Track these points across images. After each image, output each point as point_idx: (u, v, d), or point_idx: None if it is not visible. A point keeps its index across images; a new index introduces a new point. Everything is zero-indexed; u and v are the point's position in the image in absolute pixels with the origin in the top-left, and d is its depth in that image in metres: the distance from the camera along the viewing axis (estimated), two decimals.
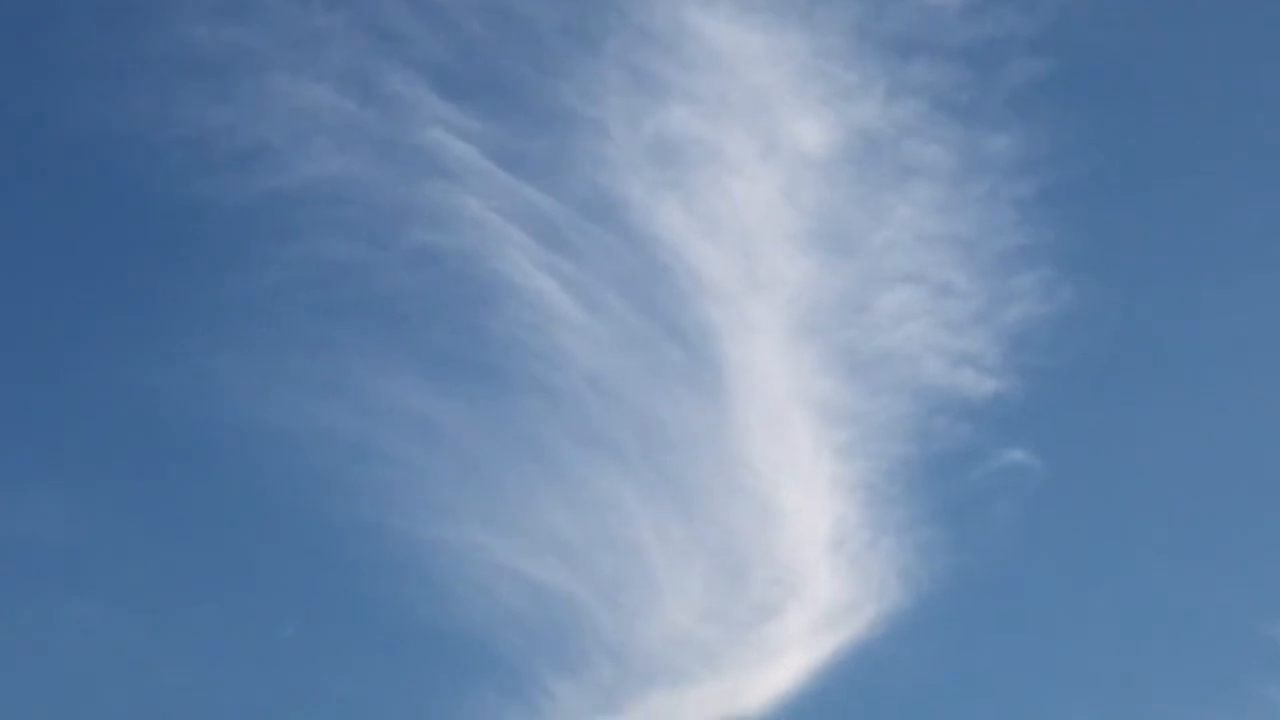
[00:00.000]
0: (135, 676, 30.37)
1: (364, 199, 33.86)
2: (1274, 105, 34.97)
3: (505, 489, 32.43)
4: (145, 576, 31.50)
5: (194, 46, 34.18)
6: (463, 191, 33.84)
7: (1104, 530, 32.26)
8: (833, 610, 31.56)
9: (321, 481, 32.03)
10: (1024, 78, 34.57)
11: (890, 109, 34.58)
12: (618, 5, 34.32)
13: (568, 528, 31.80)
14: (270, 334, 33.37)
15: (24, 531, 31.26)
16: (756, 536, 32.11)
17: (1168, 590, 31.62)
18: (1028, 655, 31.24)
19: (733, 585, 31.78)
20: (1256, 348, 33.52)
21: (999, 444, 32.62)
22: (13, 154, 34.73)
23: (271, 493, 32.48)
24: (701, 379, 33.14)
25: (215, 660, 30.85)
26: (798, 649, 31.11)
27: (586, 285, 33.53)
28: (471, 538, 31.40)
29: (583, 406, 33.10)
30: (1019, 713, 30.69)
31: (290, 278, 33.62)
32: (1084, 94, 35.26)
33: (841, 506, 32.34)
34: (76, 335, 33.52)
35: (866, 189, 34.42)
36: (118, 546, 31.62)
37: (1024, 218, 34.09)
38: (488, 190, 33.88)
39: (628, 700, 30.21)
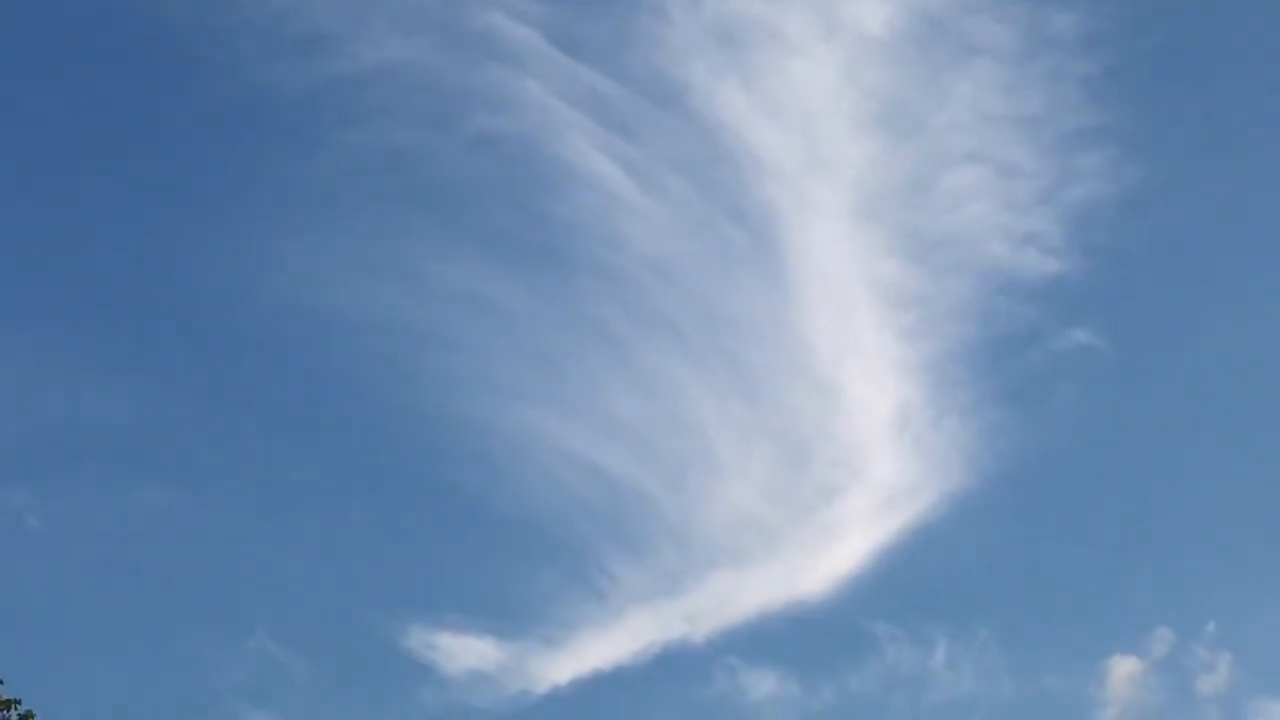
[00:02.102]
0: (204, 560, 30.80)
1: (425, 84, 33.95)
2: None
3: (568, 373, 32.61)
4: (213, 462, 31.91)
5: None
6: (523, 75, 33.81)
7: (1168, 411, 32.24)
8: (895, 491, 31.63)
9: (386, 366, 32.33)
10: None
11: None
12: None
13: (630, 412, 31.99)
14: (334, 220, 33.58)
15: (95, 417, 31.68)
16: (819, 418, 32.21)
17: (1230, 470, 31.63)
18: (1090, 535, 31.30)
19: (795, 467, 31.93)
20: None
21: (1063, 325, 32.56)
22: (82, 40, 34.99)
23: (337, 378, 32.82)
24: (763, 262, 33.17)
25: (284, 546, 31.22)
26: (859, 530, 31.24)
27: (647, 169, 33.51)
28: (535, 422, 31.63)
29: (645, 290, 33.16)
30: (1079, 592, 30.79)
31: (352, 163, 33.79)
32: None
33: (904, 388, 32.36)
34: (142, 222, 33.82)
35: (929, 69, 34.21)
36: (186, 432, 32.03)
37: (1089, 96, 33.82)
38: (548, 74, 33.82)
39: (690, 582, 30.45)
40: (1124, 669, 29.28)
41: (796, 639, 29.80)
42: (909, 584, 30.65)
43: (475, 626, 29.70)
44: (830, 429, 31.42)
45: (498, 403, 31.70)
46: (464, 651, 29.34)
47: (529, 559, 30.71)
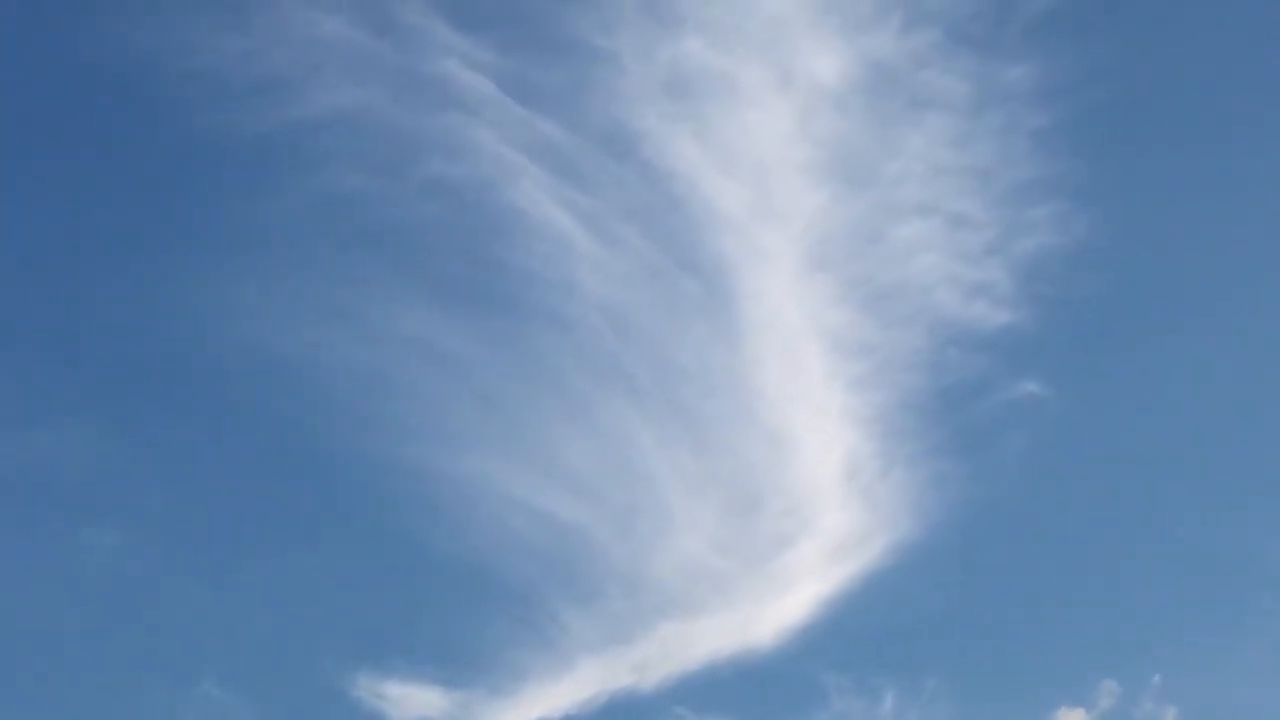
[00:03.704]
0: (151, 605, 30.67)
1: (378, 130, 34.01)
2: None
3: (519, 421, 32.67)
4: (160, 505, 31.78)
5: None
6: (477, 123, 33.95)
7: (1114, 461, 32.40)
8: (844, 541, 31.78)
9: (336, 411, 32.28)
10: (1040, 8, 34.47)
11: (905, 40, 34.50)
12: None
13: (581, 459, 32.07)
14: (285, 265, 33.58)
15: (42, 460, 31.54)
16: (769, 468, 32.37)
17: (1176, 519, 31.77)
18: (1037, 585, 31.46)
19: (745, 516, 32.05)
20: (1267, 279, 33.61)
21: (1011, 375, 32.78)
22: (31, 84, 34.86)
23: (287, 423, 32.71)
24: (715, 311, 33.33)
25: (232, 591, 31.14)
26: (809, 580, 31.35)
27: (600, 217, 33.68)
28: (486, 469, 31.68)
29: (597, 338, 33.33)
30: (1027, 643, 30.96)
31: (305, 208, 33.79)
32: (1100, 24, 35.14)
33: (854, 438, 32.54)
34: (92, 265, 33.72)
35: (881, 120, 34.46)
36: (134, 475, 31.89)
37: (1039, 149, 34.11)
38: (502, 122, 33.97)
39: (639, 631, 30.52)
40: None
41: (745, 689, 29.91)
42: (857, 634, 30.81)
43: (423, 675, 29.73)
44: (780, 479, 31.59)
45: (448, 449, 31.75)
46: (412, 700, 29.35)
47: (478, 607, 30.75)
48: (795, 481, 31.78)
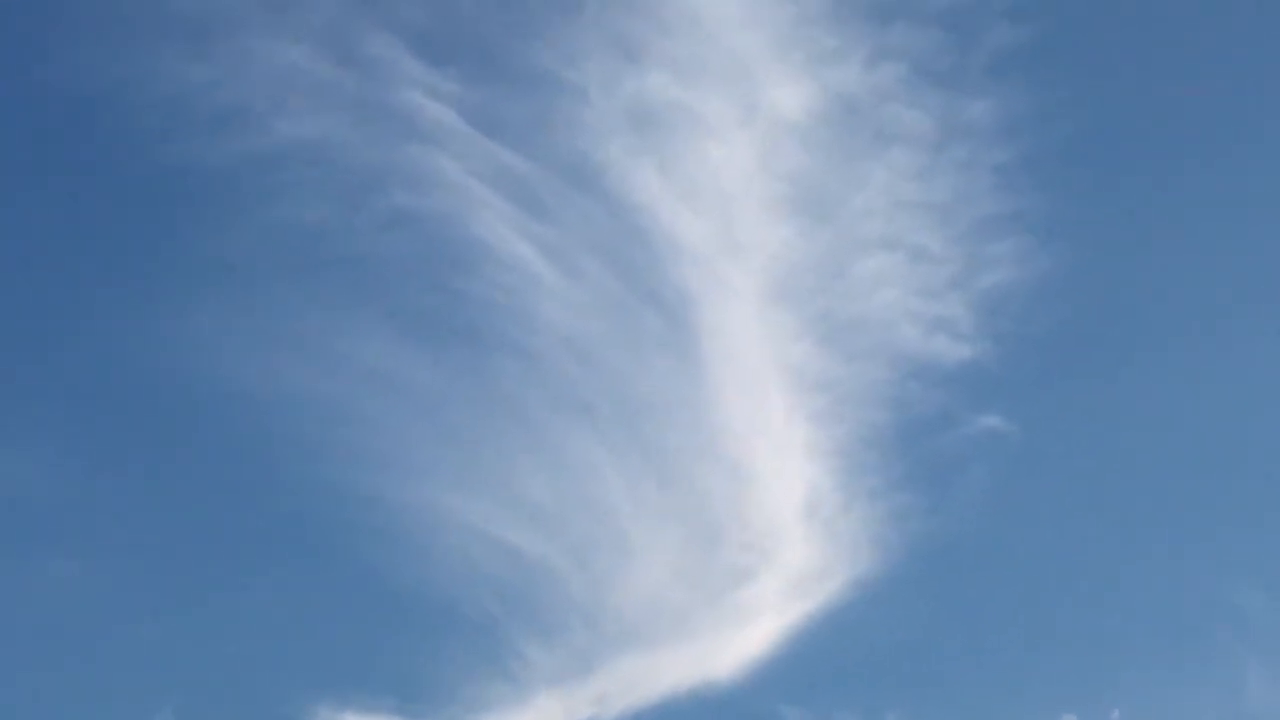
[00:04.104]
0: (109, 634, 30.63)
1: (341, 161, 34.02)
2: (1249, 75, 35.17)
3: (481, 452, 32.66)
4: (120, 534, 31.72)
5: (172, 6, 34.38)
6: (440, 154, 33.99)
7: (1075, 496, 32.51)
8: (805, 575, 31.79)
9: (298, 443, 32.25)
10: (1004, 43, 34.74)
11: (870, 74, 34.68)
12: None
13: (542, 491, 32.06)
14: (247, 295, 33.57)
15: (1, 488, 31.46)
16: (730, 501, 32.37)
17: (1137, 556, 31.92)
18: (998, 620, 31.53)
19: (706, 550, 32.05)
20: (1228, 316, 33.78)
21: (973, 410, 32.86)
22: None
23: (248, 453, 32.69)
24: (677, 344, 33.35)
25: (189, 619, 31.08)
26: (770, 613, 31.37)
27: (563, 249, 33.70)
28: (447, 501, 31.64)
29: (558, 370, 33.34)
30: (989, 676, 30.99)
31: (267, 238, 33.79)
32: (1063, 61, 35.38)
33: (815, 472, 32.56)
34: (52, 295, 33.64)
35: (844, 155, 34.58)
36: (93, 505, 31.82)
37: (1002, 184, 34.24)
38: (465, 153, 33.99)
39: (600, 663, 30.47)
40: None
41: None
42: (818, 667, 30.83)
43: (382, 706, 29.66)
44: (741, 512, 31.61)
45: (408, 479, 31.72)
46: None
47: (438, 638, 30.71)
48: (756, 514, 31.79)
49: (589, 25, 34.33)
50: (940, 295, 33.36)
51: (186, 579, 31.61)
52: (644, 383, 32.82)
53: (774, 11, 34.39)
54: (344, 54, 34.33)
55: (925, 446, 32.49)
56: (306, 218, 33.59)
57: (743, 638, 30.69)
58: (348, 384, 32.51)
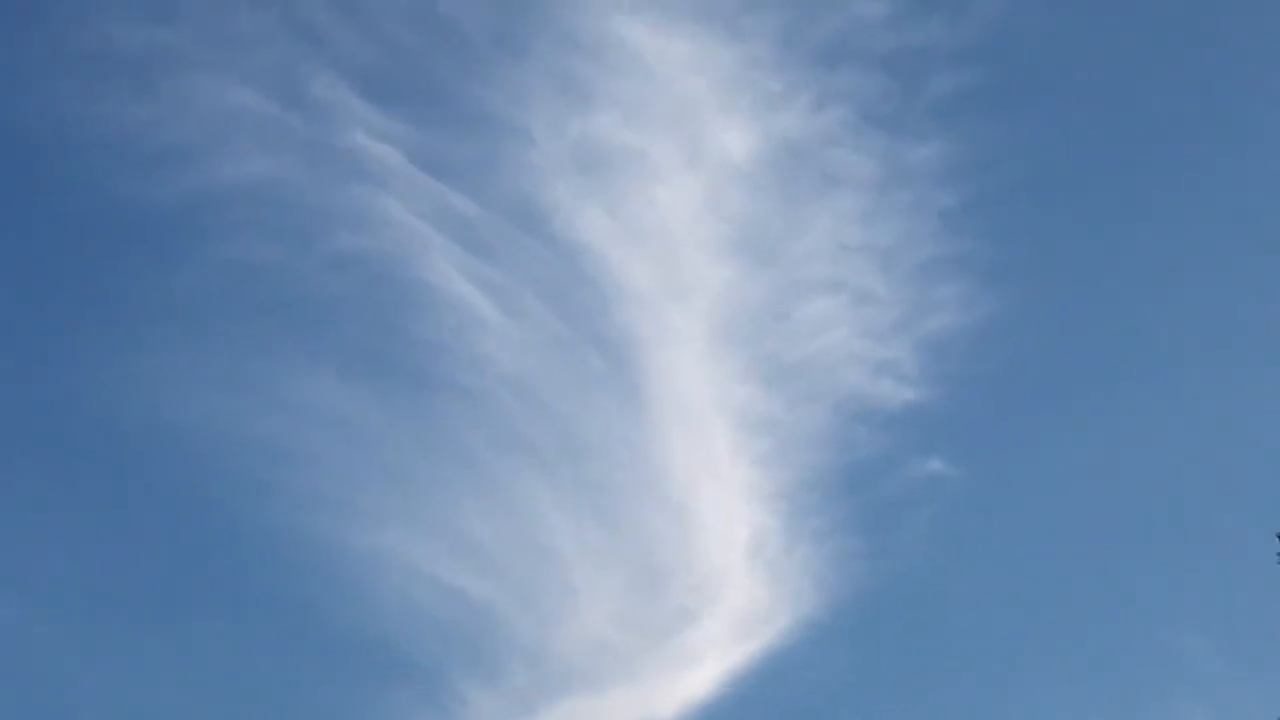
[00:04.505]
0: (49, 676, 30.44)
1: (287, 201, 33.96)
2: (1191, 120, 35.46)
3: (425, 494, 32.61)
4: (61, 577, 31.55)
5: (118, 46, 34.25)
6: (386, 195, 33.98)
7: (1018, 539, 32.63)
8: (749, 617, 31.83)
9: (242, 483, 32.13)
10: (948, 88, 34.97)
11: (815, 118, 34.85)
12: (545, 12, 34.50)
13: (486, 533, 32.03)
14: (191, 336, 33.48)
15: None
16: (674, 543, 32.37)
17: (1080, 600, 32.07)
18: (940, 662, 31.62)
19: (650, 592, 32.05)
20: (1170, 360, 34.00)
21: (917, 453, 32.97)
22: None
23: (192, 494, 32.54)
24: (622, 386, 33.40)
25: (130, 660, 30.92)
26: (714, 655, 31.38)
27: (509, 291, 33.73)
28: (391, 542, 31.56)
29: (503, 412, 33.32)
30: (929, 717, 31.08)
31: (213, 279, 33.70)
32: (1008, 105, 35.63)
33: (759, 514, 32.62)
34: None
35: (789, 198, 34.69)
36: (34, 547, 31.64)
37: (946, 228, 34.43)
38: (411, 194, 34.00)
39: (543, 706, 30.40)
40: None
41: None
42: (762, 709, 30.91)
43: None
44: (685, 554, 31.65)
45: (352, 521, 31.69)
46: None
47: (381, 680, 30.64)
48: (700, 557, 31.83)
49: (536, 67, 34.45)
50: (885, 338, 33.52)
51: (128, 621, 31.53)
52: (589, 424, 32.88)
53: (720, 55, 34.57)
54: (290, 95, 34.40)
55: (869, 489, 32.63)
56: (252, 258, 33.60)
57: (687, 680, 30.71)
58: (292, 425, 32.47)
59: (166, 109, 34.11)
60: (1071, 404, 33.92)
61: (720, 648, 31.06)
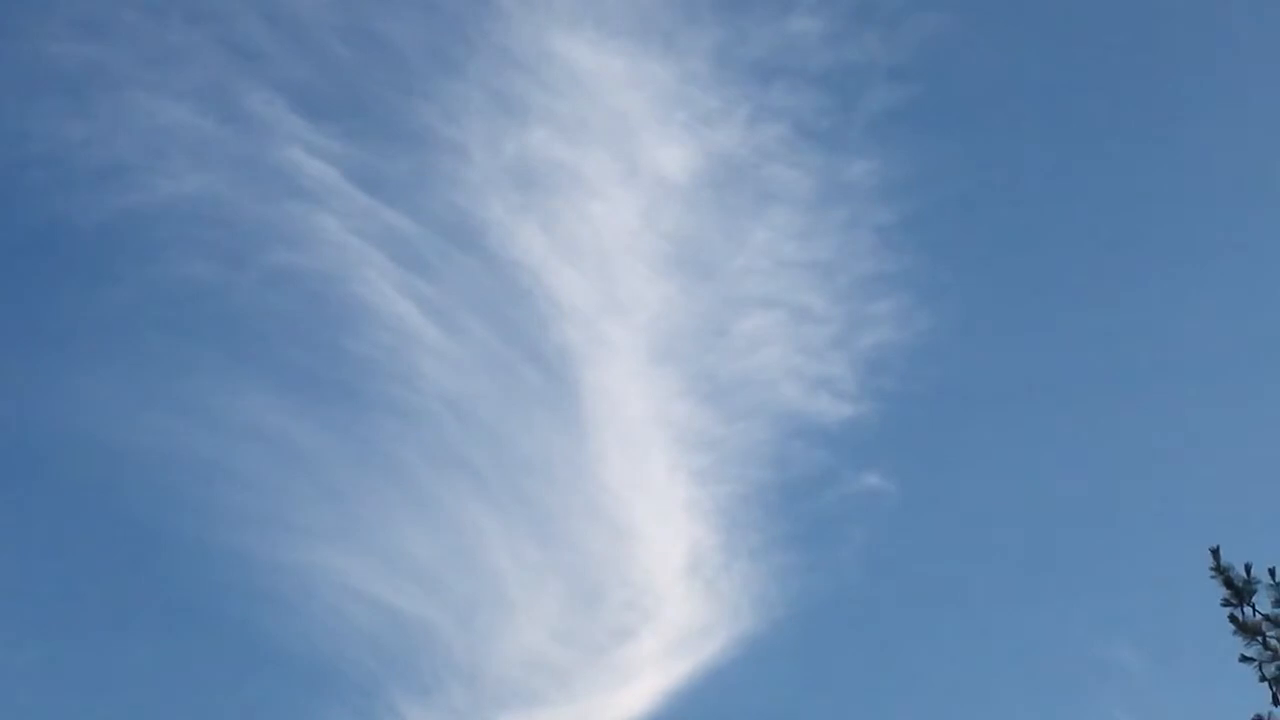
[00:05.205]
0: None
1: (222, 218, 33.92)
2: (1126, 136, 35.80)
3: (360, 510, 32.59)
4: None
5: (51, 62, 34.24)
6: (321, 212, 33.95)
7: (952, 554, 32.79)
8: (687, 633, 31.85)
9: (175, 500, 32.09)
10: (884, 105, 35.14)
11: (751, 134, 34.94)
12: (480, 28, 34.54)
13: (422, 550, 32.02)
14: (126, 353, 33.45)
15: None
16: (612, 560, 32.40)
17: (1013, 614, 32.22)
18: (877, 677, 31.71)
19: (587, 608, 32.05)
20: (1105, 378, 34.19)
21: (853, 468, 33.05)
22: None
23: (125, 513, 32.52)
24: (559, 402, 33.42)
25: (65, 680, 30.87)
26: (652, 672, 31.40)
27: (445, 307, 33.73)
28: (325, 559, 31.55)
29: (440, 428, 33.32)
30: None
31: (146, 296, 33.69)
32: (944, 122, 35.89)
33: (697, 530, 32.65)
34: None
35: (726, 214, 34.79)
36: None
37: (883, 244, 34.56)
38: (347, 211, 33.95)
39: None
40: None
41: None
42: None
43: None
44: (622, 570, 31.70)
45: (287, 538, 31.68)
46: None
47: (315, 698, 30.61)
48: (638, 573, 31.89)
49: (471, 83, 34.49)
50: (822, 354, 33.62)
51: (62, 638, 31.45)
52: (525, 441, 32.92)
53: (656, 71, 34.64)
54: (225, 111, 34.38)
55: (806, 505, 32.73)
56: (187, 275, 33.62)
57: (624, 696, 30.72)
58: (227, 442, 32.45)
59: (101, 126, 34.11)
60: (1006, 419, 34.20)
61: (658, 664, 31.11)
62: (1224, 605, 17.73)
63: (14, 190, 34.08)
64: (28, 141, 33.86)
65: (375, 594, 31.17)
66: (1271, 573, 17.67)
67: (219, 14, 34.68)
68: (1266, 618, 17.69)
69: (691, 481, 32.72)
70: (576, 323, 33.49)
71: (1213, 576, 17.70)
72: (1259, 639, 17.73)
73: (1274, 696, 17.60)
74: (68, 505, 32.79)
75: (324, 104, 34.46)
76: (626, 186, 34.33)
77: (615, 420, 33.03)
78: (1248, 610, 17.71)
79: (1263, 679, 17.67)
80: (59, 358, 33.29)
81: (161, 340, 33.41)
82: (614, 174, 34.38)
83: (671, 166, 34.30)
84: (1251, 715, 17.62)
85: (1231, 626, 17.75)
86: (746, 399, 33.32)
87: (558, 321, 33.47)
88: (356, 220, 33.64)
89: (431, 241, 33.66)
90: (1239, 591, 17.72)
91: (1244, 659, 17.72)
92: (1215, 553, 17.74)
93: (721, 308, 33.94)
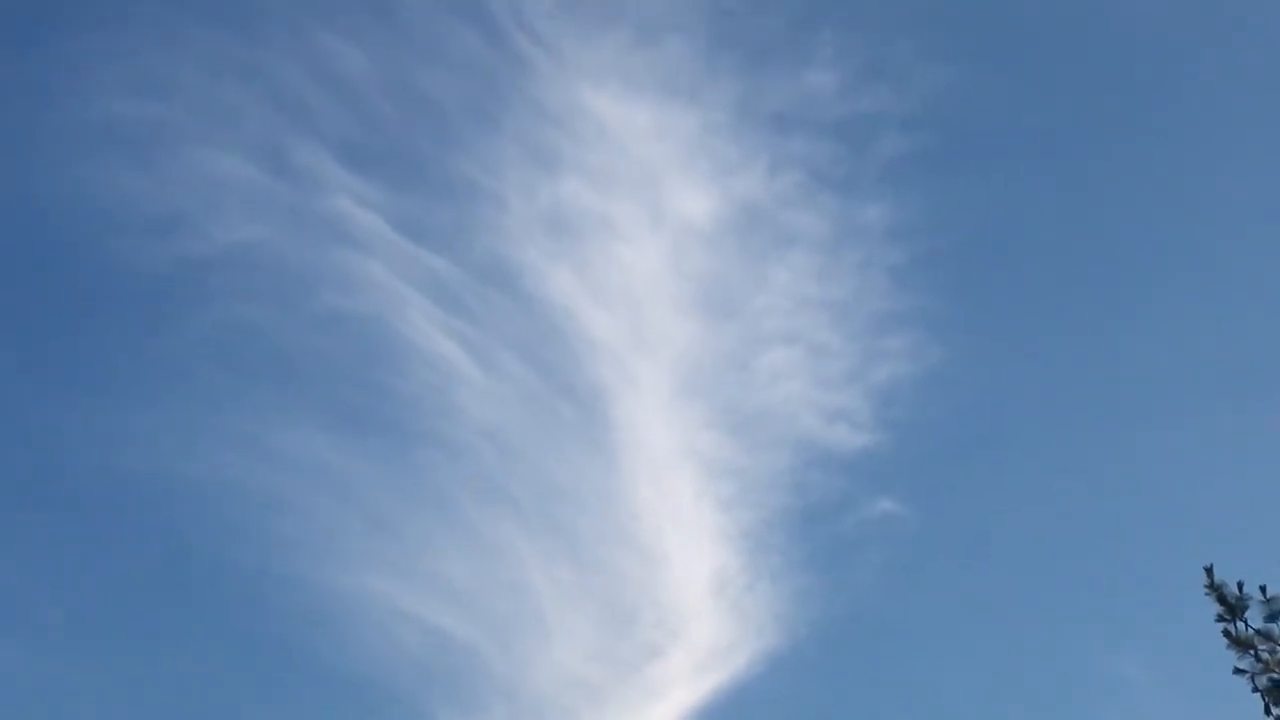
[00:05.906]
0: (49, 714, 31.45)
1: (274, 265, 35.19)
2: (1131, 180, 37.13)
3: (406, 539, 33.71)
4: (62, 621, 32.59)
5: (113, 119, 35.45)
6: (368, 258, 35.17)
7: (966, 575, 33.92)
8: (713, 651, 32.97)
9: (232, 532, 33.26)
10: (896, 152, 36.33)
11: (770, 181, 36.10)
12: (515, 84, 35.82)
13: (464, 575, 33.17)
14: (185, 393, 34.57)
15: None
16: (642, 582, 33.57)
17: (1026, 632, 33.42)
18: (893, 691, 32.78)
19: (619, 628, 33.18)
20: (1107, 406, 35.47)
21: (870, 495, 34.18)
22: None
23: (184, 543, 33.67)
24: (592, 435, 34.66)
25: (128, 702, 31.96)
26: (681, 688, 32.47)
27: (484, 346, 34.93)
28: (373, 585, 32.66)
29: (480, 460, 34.48)
30: None
31: (204, 340, 34.77)
32: (952, 168, 37.11)
33: (722, 554, 33.83)
34: None
35: (748, 257, 36.03)
36: (36, 593, 32.72)
37: (896, 283, 35.67)
38: (391, 257, 35.12)
39: None
40: None
41: None
42: None
43: None
44: (652, 592, 32.68)
45: (337, 565, 32.67)
46: None
47: (367, 716, 31.57)
48: (666, 595, 32.97)
49: (508, 137, 35.77)
50: (839, 387, 34.73)
51: (121, 659, 32.63)
52: (560, 472, 34.02)
53: (680, 124, 35.85)
54: (275, 163, 35.58)
55: (825, 529, 33.86)
56: (241, 319, 34.82)
57: (654, 711, 31.87)
58: (280, 476, 33.51)
59: (160, 178, 35.32)
60: (1013, 446, 35.42)
61: (687, 681, 32.22)
62: (1218, 621, 18.42)
63: (79, 239, 35.38)
64: (92, 193, 35.20)
65: (421, 617, 32.34)
66: (1263, 590, 18.34)
67: (270, 73, 35.71)
68: (1258, 632, 18.37)
69: (717, 508, 33.91)
70: (607, 360, 34.77)
71: (1207, 594, 18.44)
72: (1251, 652, 18.37)
73: (1266, 708, 18.25)
74: (131, 536, 33.93)
75: (369, 156, 36.00)
76: (653, 232, 35.70)
77: (644, 451, 34.22)
78: (1240, 625, 18.36)
79: (1255, 690, 18.29)
80: (123, 398, 34.46)
81: (218, 380, 34.52)
82: (641, 220, 35.75)
83: (695, 212, 35.62)
84: None
85: (1225, 641, 18.37)
86: (768, 430, 34.49)
87: (590, 359, 34.78)
88: (401, 265, 34.95)
89: (471, 285, 34.95)
90: (1232, 608, 18.43)
91: (1237, 671, 18.37)
92: (1209, 571, 18.49)
93: (744, 344, 35.17)
